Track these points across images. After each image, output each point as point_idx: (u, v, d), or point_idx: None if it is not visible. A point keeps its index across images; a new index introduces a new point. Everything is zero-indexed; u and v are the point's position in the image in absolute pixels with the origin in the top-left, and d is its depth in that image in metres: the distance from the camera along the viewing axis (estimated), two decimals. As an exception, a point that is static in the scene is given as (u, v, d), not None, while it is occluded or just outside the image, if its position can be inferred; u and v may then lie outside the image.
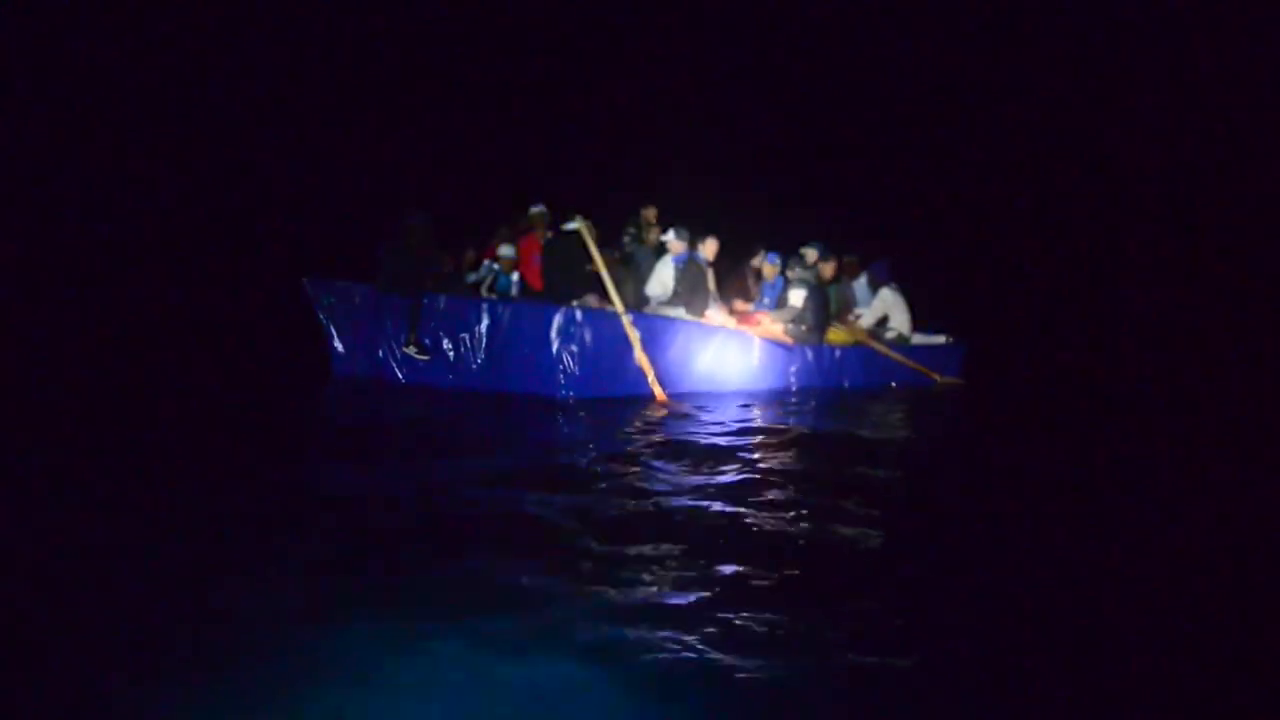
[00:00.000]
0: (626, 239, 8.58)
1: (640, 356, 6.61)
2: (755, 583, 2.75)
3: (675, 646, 2.24)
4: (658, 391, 6.64)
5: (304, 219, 12.41)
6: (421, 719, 1.89)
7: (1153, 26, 19.35)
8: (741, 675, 2.11)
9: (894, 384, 8.98)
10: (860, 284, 9.86)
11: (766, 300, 8.54)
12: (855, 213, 15.74)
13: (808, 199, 16.06)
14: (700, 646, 2.24)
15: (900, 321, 9.49)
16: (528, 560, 2.82)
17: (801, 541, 3.22)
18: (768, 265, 8.48)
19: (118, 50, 13.25)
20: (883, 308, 9.38)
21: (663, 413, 6.20)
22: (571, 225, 6.90)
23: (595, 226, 7.26)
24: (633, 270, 7.84)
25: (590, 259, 6.75)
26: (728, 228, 8.60)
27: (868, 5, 19.69)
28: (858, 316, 9.33)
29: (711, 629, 2.36)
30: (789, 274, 8.27)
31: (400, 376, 7.06)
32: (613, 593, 2.59)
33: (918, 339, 9.65)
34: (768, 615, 2.47)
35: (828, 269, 8.31)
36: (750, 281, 9.17)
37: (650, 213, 8.65)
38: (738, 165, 15.38)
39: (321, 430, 5.52)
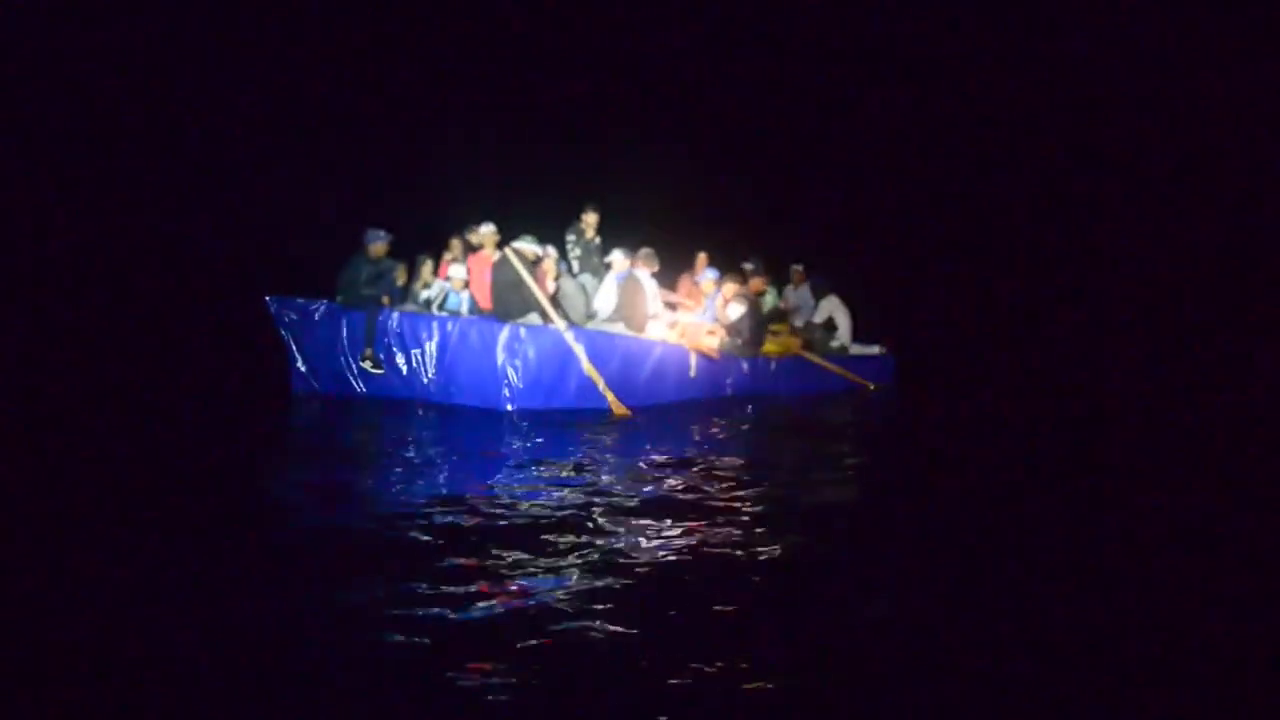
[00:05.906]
0: (569, 244, 8.79)
1: (589, 369, 7.07)
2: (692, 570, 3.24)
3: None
4: (613, 403, 7.08)
5: (267, 236, 12.72)
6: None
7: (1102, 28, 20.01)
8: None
9: (832, 390, 9.54)
10: (803, 292, 10.56)
11: (708, 314, 9.03)
12: (802, 226, 16.39)
13: (752, 211, 16.66)
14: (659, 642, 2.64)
15: (844, 330, 10.21)
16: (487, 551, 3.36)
17: (750, 532, 3.77)
18: (706, 280, 8.95)
19: (85, 58, 13.48)
20: (829, 309, 10.20)
21: (617, 424, 6.71)
22: (505, 249, 7.32)
23: (541, 242, 7.67)
24: (580, 287, 8.28)
25: (522, 282, 7.15)
26: (667, 236, 9.06)
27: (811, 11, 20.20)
28: (804, 323, 9.99)
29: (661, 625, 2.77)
30: (725, 289, 8.73)
31: (357, 390, 7.53)
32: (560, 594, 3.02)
33: (855, 349, 10.29)
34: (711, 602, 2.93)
35: (758, 283, 8.82)
36: (688, 290, 9.60)
37: (591, 217, 8.83)
38: (679, 175, 15.86)
39: (282, 442, 5.99)
